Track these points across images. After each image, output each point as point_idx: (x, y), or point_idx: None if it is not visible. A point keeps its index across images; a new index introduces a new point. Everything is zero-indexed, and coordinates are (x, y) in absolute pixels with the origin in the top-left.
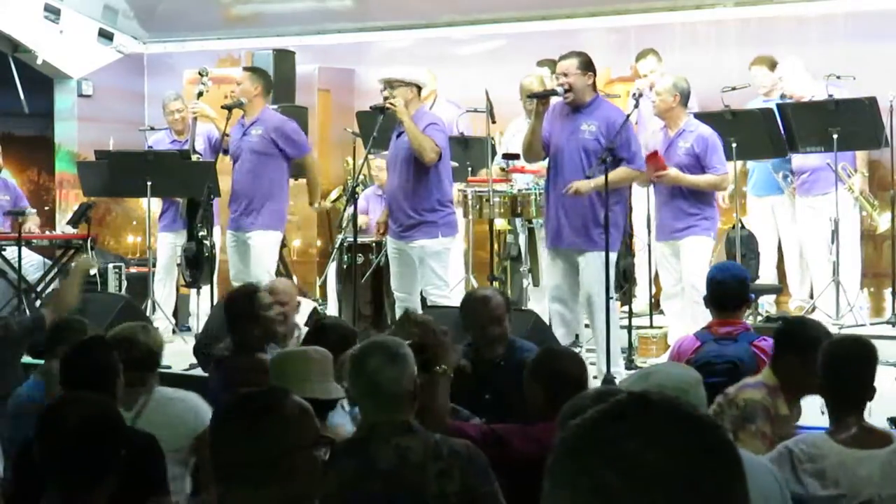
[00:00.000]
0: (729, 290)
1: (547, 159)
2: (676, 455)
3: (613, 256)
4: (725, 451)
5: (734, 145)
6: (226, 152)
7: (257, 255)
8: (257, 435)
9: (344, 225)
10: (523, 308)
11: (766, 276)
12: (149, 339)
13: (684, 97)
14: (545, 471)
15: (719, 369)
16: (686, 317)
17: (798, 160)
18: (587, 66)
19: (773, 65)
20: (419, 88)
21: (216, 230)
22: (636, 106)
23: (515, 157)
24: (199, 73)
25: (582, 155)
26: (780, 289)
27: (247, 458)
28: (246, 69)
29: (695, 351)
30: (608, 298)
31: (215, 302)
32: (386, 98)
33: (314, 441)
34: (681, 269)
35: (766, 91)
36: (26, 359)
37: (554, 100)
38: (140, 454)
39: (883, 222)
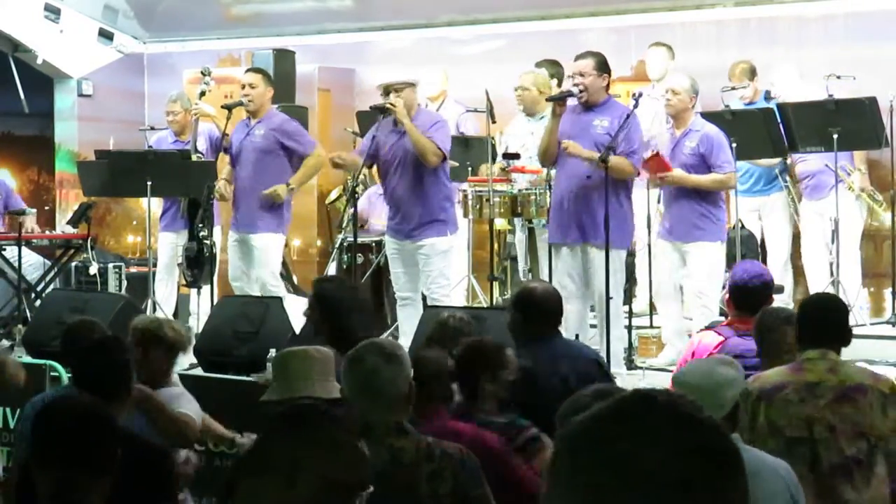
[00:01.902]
0: (754, 292)
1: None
2: (673, 456)
3: (624, 253)
4: (724, 452)
5: (734, 145)
6: (226, 151)
7: (261, 258)
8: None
9: (344, 225)
10: None
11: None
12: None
13: (697, 97)
14: (546, 468)
15: (752, 363)
16: (684, 318)
17: (800, 166)
18: (603, 66)
19: (752, 73)
20: (414, 86)
21: (217, 230)
22: (636, 106)
23: (515, 156)
24: (202, 73)
25: (595, 150)
26: (781, 288)
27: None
28: (256, 71)
29: (719, 346)
30: (608, 298)
31: (215, 302)
32: (387, 102)
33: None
34: (679, 269)
35: (748, 100)
36: (26, 359)
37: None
38: (150, 464)
39: (886, 219)
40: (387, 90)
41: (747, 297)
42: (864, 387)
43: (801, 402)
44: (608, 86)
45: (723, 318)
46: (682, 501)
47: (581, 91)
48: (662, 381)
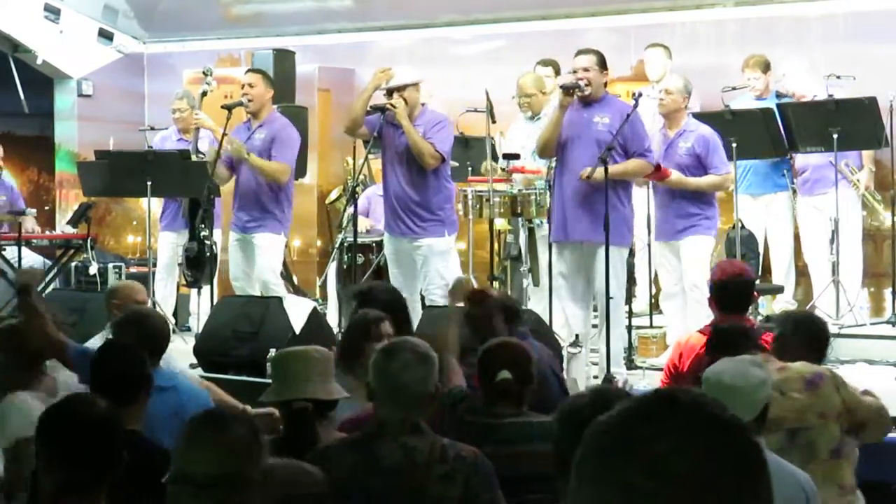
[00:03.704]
0: (734, 291)
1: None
2: (704, 457)
3: (626, 252)
4: (752, 454)
5: (734, 145)
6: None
7: (263, 257)
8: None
9: (344, 225)
10: (523, 308)
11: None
12: None
13: (689, 98)
14: (572, 467)
15: None
16: (686, 317)
17: (800, 159)
18: (604, 64)
19: (766, 66)
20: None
21: (217, 231)
22: (636, 106)
23: (516, 157)
24: (204, 73)
25: (595, 147)
26: (781, 289)
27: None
28: (256, 71)
29: (703, 347)
30: (608, 298)
31: (215, 302)
32: (391, 103)
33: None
34: (681, 268)
35: (759, 93)
36: None
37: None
38: (162, 468)
39: (886, 218)
40: (390, 92)
41: (729, 297)
42: (821, 373)
43: (782, 395)
44: (606, 83)
45: None
46: (715, 502)
47: (586, 85)
48: None
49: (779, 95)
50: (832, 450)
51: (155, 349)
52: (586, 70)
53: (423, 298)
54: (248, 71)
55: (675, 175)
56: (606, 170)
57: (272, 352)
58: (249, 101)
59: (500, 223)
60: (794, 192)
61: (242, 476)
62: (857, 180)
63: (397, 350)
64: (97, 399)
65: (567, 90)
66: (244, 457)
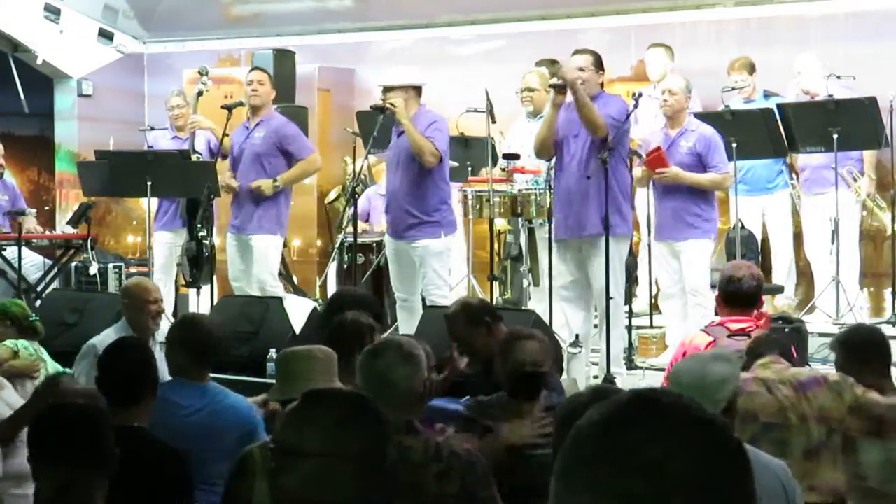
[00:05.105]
0: (742, 290)
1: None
2: (697, 459)
3: (625, 246)
4: (738, 453)
5: (734, 145)
6: (224, 157)
7: (260, 258)
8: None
9: (344, 225)
10: (523, 308)
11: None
12: None
13: (691, 97)
14: (554, 473)
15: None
16: (686, 318)
17: (802, 158)
18: (600, 64)
19: (752, 68)
20: (417, 88)
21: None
22: (636, 106)
23: (515, 157)
24: (199, 73)
25: (588, 146)
26: (781, 288)
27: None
28: (261, 70)
29: (708, 347)
30: (608, 297)
31: (215, 302)
32: (384, 100)
33: None
34: (680, 270)
35: (748, 95)
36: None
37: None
38: (168, 467)
39: (886, 219)
40: (385, 91)
41: (737, 296)
42: (819, 378)
43: (768, 391)
44: (602, 84)
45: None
46: (711, 502)
47: (581, 84)
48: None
49: (767, 95)
50: (806, 451)
51: (200, 358)
52: (581, 70)
53: (423, 299)
54: (256, 69)
55: (674, 169)
56: (606, 171)
57: (272, 352)
58: (257, 96)
59: (500, 223)
60: (794, 188)
61: (292, 446)
62: (859, 187)
63: (382, 349)
64: (85, 400)
65: (558, 88)
66: (300, 428)
